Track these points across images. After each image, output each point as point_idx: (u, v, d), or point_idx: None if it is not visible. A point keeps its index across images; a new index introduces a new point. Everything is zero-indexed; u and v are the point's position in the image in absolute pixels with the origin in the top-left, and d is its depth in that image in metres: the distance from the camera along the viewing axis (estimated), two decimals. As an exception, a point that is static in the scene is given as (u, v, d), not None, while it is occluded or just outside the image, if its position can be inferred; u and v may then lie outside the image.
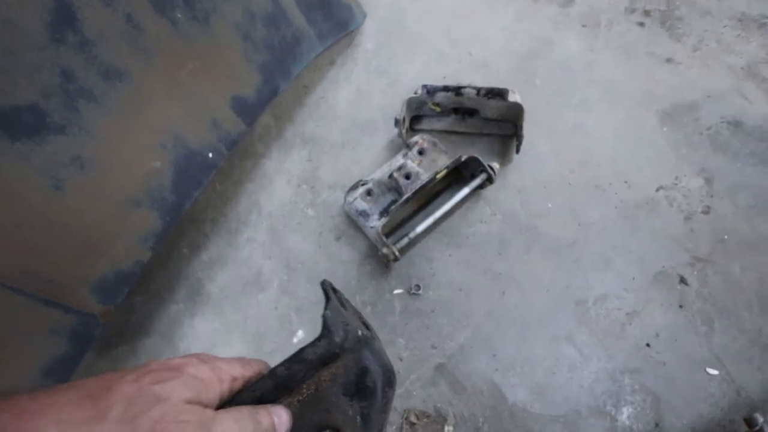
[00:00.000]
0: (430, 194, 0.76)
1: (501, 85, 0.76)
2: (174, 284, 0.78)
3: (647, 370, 0.64)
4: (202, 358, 0.29)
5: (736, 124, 0.81)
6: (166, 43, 0.57)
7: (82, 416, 0.23)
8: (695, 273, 0.69)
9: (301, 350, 0.30)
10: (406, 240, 0.68)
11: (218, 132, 0.66)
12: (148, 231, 0.61)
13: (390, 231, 0.75)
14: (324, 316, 0.31)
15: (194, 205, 0.74)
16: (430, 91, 0.77)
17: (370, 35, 0.99)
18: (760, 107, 0.82)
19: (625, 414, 0.62)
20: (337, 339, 0.31)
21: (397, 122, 0.75)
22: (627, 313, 0.67)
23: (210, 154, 0.66)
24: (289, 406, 0.28)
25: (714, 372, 0.63)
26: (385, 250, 0.66)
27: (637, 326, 0.66)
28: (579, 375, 0.64)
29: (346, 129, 0.87)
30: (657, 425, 0.61)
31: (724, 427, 0.60)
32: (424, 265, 0.73)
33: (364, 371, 0.32)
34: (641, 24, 0.94)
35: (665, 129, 0.82)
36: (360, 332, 0.32)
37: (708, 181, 0.76)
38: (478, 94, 0.74)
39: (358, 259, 0.75)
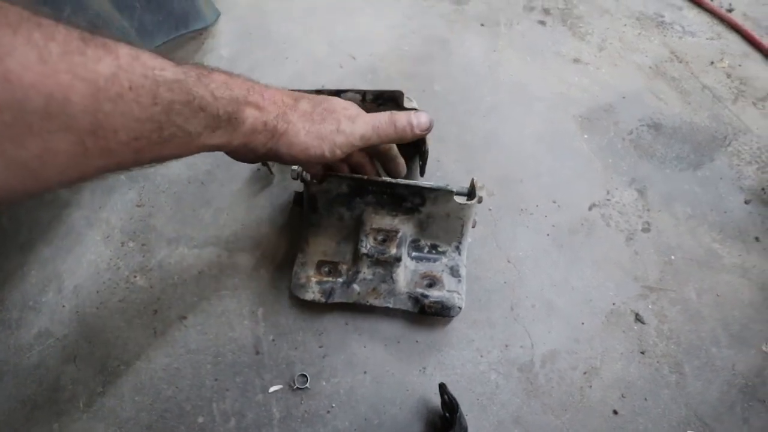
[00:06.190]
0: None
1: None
2: None
3: (619, 448, 0.50)
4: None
5: (656, 127, 0.75)
6: None
7: (287, 99, 0.40)
8: (650, 306, 0.59)
9: None
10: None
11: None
12: None
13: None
14: (459, 416, 0.45)
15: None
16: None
17: (225, 39, 0.80)
18: (675, 108, 0.78)
19: None
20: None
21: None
22: (584, 372, 0.54)
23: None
24: None
25: (696, 435, 0.51)
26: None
27: (598, 388, 0.53)
28: (537, 472, 0.49)
29: (193, 159, 0.67)
30: None
31: None
32: (311, 341, 0.54)
33: None
34: (542, 23, 0.87)
35: (586, 136, 0.73)
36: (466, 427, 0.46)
37: (641, 192, 0.68)
38: (363, 99, 0.59)
39: (214, 346, 0.53)
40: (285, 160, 0.40)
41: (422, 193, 0.51)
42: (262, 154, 0.39)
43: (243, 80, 0.37)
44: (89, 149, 0.26)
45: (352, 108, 0.43)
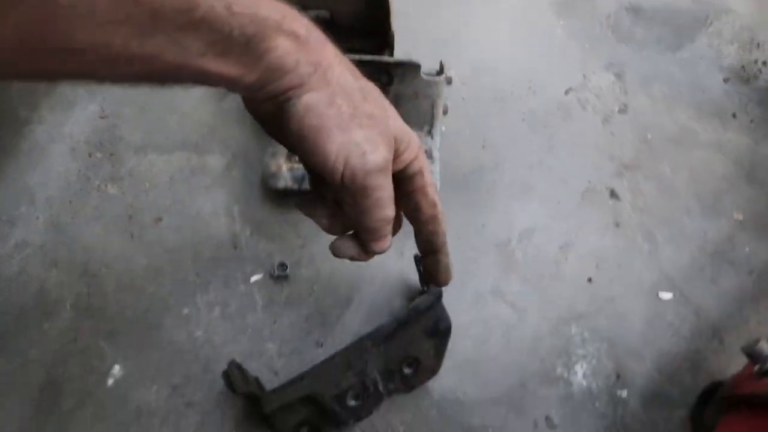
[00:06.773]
0: None
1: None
2: None
3: (594, 312, 0.53)
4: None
5: (635, 11, 0.74)
6: None
7: (340, 55, 0.29)
8: (625, 183, 0.60)
9: (417, 302, 0.44)
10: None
11: None
12: None
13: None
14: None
15: None
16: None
17: None
18: (655, -11, 0.76)
19: (579, 373, 0.50)
20: (434, 292, 0.45)
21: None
22: (560, 247, 0.56)
23: None
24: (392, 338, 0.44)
25: (667, 296, 0.54)
26: None
27: (574, 260, 0.55)
28: (516, 336, 0.51)
29: (154, 65, 0.65)
30: (618, 376, 0.50)
31: (690, 360, 0.51)
32: (288, 232, 0.55)
33: (439, 318, 0.45)
34: None
35: (562, 22, 0.72)
36: (441, 290, 0.45)
37: (618, 76, 0.68)
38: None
39: (192, 244, 0.54)
40: (287, 132, 0.27)
41: (389, 69, 0.51)
42: (264, 111, 0.28)
43: (281, 3, 0.26)
44: (36, 47, 0.21)
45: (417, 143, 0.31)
